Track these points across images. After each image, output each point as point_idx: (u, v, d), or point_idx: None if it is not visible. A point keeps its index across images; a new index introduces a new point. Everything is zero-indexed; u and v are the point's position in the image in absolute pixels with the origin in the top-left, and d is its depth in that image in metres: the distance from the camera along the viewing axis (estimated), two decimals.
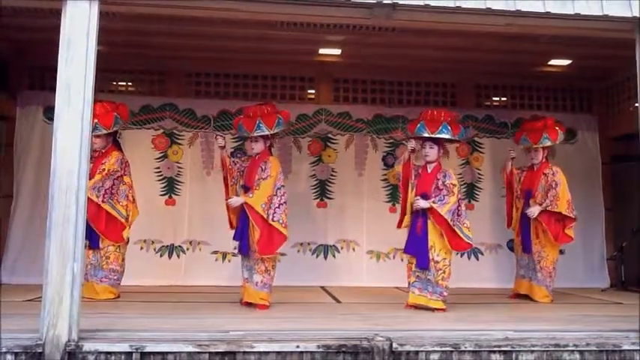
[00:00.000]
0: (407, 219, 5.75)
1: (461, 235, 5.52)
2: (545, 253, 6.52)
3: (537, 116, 7.15)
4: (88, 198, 5.78)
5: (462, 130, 5.80)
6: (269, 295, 5.58)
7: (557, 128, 6.65)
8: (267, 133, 5.63)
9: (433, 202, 5.52)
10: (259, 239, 5.39)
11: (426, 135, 5.63)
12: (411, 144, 5.72)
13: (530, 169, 6.76)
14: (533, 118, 7.05)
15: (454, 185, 5.61)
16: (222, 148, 5.72)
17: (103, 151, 6.14)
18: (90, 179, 5.84)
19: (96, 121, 5.83)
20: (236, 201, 5.57)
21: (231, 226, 5.83)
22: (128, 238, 6.28)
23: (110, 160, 6.08)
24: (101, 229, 5.94)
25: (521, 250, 6.68)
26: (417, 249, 5.58)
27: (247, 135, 5.74)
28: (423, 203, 5.55)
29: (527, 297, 6.56)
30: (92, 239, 5.91)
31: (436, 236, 5.55)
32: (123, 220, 6.04)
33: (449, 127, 5.62)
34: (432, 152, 5.71)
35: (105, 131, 6.04)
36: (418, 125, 5.68)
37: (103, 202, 5.93)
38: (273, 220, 5.44)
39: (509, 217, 6.89)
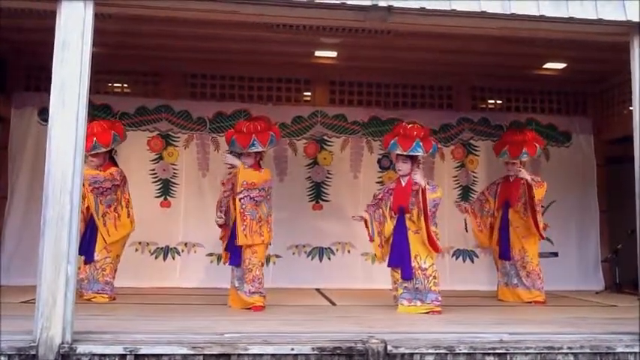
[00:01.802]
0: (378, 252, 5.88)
1: (434, 236, 5.60)
2: (529, 257, 6.58)
3: (518, 130, 7.25)
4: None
5: (434, 146, 5.81)
6: (262, 298, 5.58)
7: (535, 143, 6.70)
8: (261, 150, 5.67)
9: (428, 184, 5.58)
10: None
11: (399, 152, 5.69)
12: None
13: (506, 180, 6.80)
14: (514, 132, 7.12)
15: (437, 185, 5.78)
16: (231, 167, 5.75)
17: (101, 169, 6.15)
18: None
19: (94, 139, 5.87)
20: (232, 160, 5.61)
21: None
22: (123, 245, 6.32)
23: (111, 170, 6.13)
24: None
25: (499, 257, 6.72)
26: (401, 260, 5.60)
27: (240, 151, 5.74)
28: (419, 178, 5.55)
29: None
30: (87, 254, 5.93)
31: (418, 244, 5.60)
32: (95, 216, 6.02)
33: (421, 144, 5.65)
34: (404, 167, 5.76)
35: (104, 149, 6.05)
36: (392, 142, 5.72)
37: (90, 191, 5.92)
38: (239, 200, 5.49)
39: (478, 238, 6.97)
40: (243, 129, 5.72)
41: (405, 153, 5.67)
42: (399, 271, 5.64)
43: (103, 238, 6.02)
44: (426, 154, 5.81)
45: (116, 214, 6.10)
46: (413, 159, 5.75)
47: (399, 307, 5.62)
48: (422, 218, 5.53)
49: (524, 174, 6.48)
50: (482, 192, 7.10)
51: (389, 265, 5.77)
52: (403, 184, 5.79)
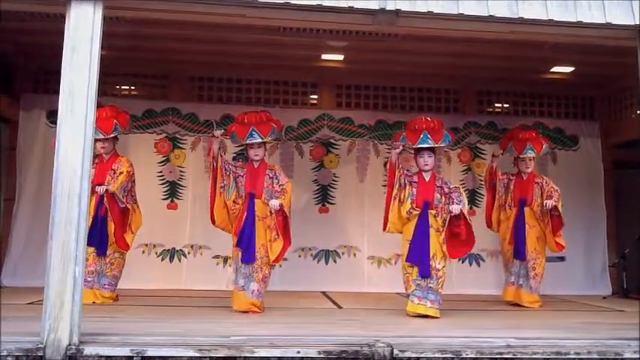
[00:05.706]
0: (397, 225, 5.75)
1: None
2: (539, 260, 6.59)
3: (523, 127, 7.27)
4: (116, 198, 5.91)
5: (446, 135, 5.73)
6: (261, 302, 5.57)
7: (542, 141, 6.77)
8: (260, 140, 5.60)
9: (457, 205, 5.52)
10: (283, 248, 5.52)
11: (431, 145, 5.61)
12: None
13: (519, 177, 6.79)
14: (520, 129, 7.13)
15: (459, 187, 5.78)
16: (216, 138, 5.56)
17: (107, 156, 6.15)
18: (97, 183, 5.91)
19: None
20: (277, 203, 5.47)
21: (213, 222, 5.85)
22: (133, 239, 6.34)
23: (125, 164, 6.11)
24: (119, 234, 5.98)
25: (514, 256, 6.66)
26: (419, 257, 5.55)
27: (240, 143, 5.73)
28: (456, 208, 5.49)
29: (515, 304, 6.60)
30: (101, 245, 5.92)
31: (437, 244, 5.56)
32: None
33: (448, 135, 5.70)
34: (430, 160, 5.71)
35: (102, 136, 5.97)
36: (421, 136, 5.60)
37: (128, 202, 6.02)
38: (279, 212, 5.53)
39: (489, 217, 6.87)
40: (244, 120, 5.65)
41: (437, 145, 5.63)
42: (415, 268, 5.56)
43: (126, 231, 6.05)
44: (450, 144, 6.02)
45: (132, 208, 6.15)
46: (436, 152, 5.78)
47: (409, 304, 5.53)
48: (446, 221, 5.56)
49: (551, 202, 6.40)
50: (495, 171, 6.76)
51: (407, 260, 5.63)
52: (427, 179, 5.70)
